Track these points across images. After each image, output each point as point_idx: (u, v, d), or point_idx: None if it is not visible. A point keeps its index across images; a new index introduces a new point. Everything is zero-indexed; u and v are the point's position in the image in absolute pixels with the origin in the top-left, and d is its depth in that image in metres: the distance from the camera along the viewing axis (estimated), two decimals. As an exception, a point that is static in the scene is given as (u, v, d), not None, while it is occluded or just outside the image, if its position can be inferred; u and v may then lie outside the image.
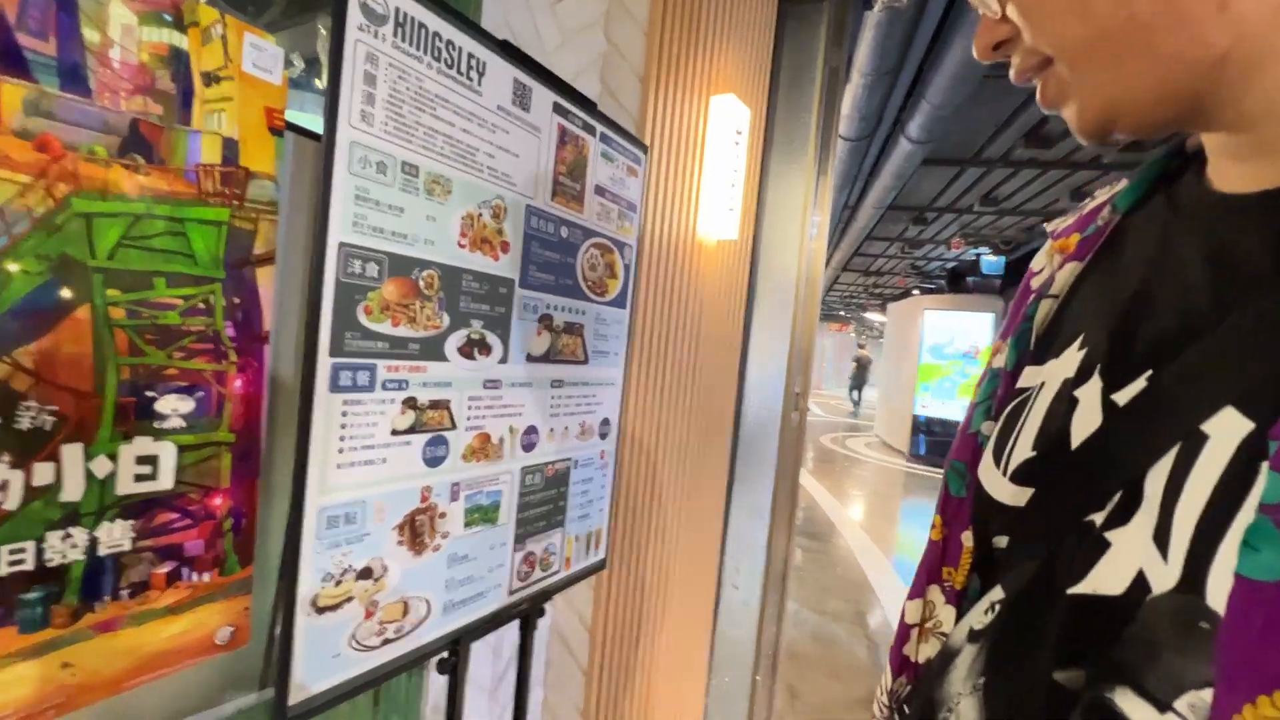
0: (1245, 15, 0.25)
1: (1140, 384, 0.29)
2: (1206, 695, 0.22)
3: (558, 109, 0.88)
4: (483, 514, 0.82)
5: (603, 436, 1.07)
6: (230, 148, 0.66)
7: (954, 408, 8.38)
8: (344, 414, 0.63)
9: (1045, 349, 0.37)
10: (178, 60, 0.61)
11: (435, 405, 0.73)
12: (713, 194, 1.39)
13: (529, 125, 0.83)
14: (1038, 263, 0.44)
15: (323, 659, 0.64)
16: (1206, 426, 0.24)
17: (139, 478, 0.61)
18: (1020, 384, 0.38)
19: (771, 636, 1.75)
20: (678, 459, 1.42)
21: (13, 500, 0.53)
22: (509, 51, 0.78)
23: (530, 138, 0.83)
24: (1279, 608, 0.20)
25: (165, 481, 0.64)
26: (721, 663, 1.72)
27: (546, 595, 0.97)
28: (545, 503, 0.95)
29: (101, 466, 0.59)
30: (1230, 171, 0.30)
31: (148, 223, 0.60)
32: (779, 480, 1.68)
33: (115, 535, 0.60)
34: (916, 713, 0.36)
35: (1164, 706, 0.23)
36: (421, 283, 0.70)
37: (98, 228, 0.57)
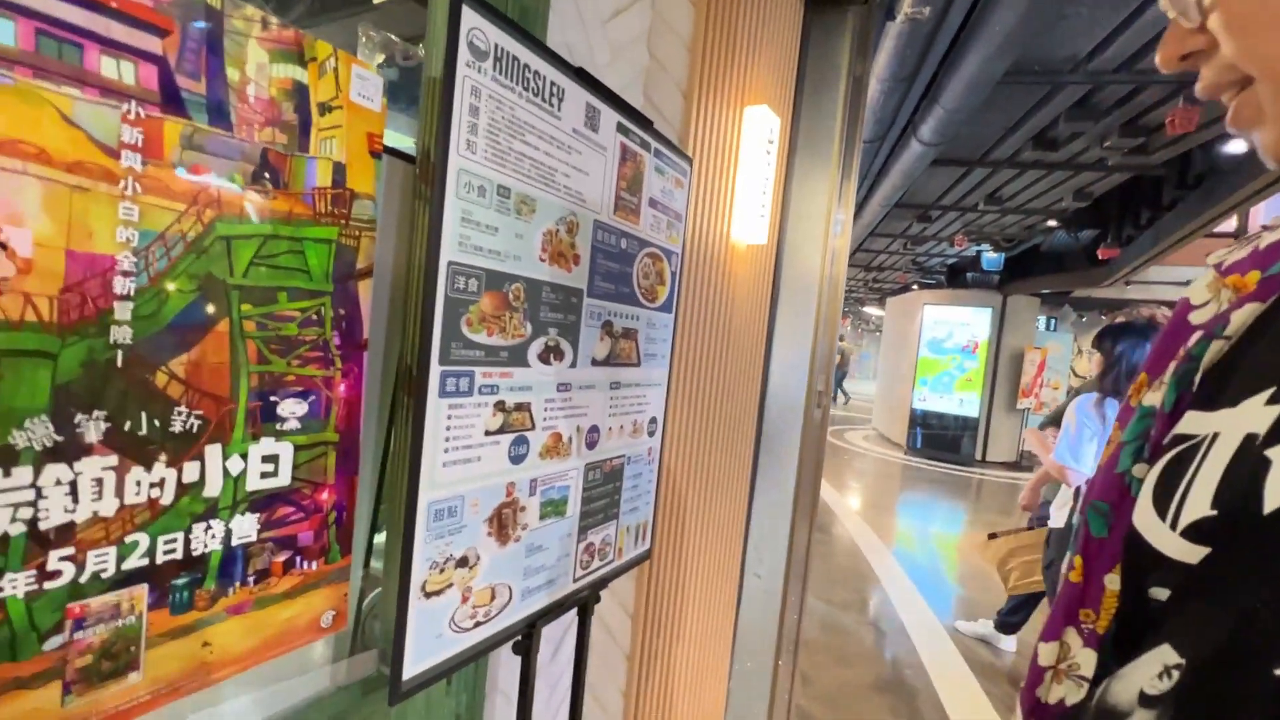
0: None
1: None
2: None
3: (620, 128, 0.93)
4: (554, 507, 0.89)
5: (650, 434, 1.14)
6: (339, 171, 0.71)
7: (951, 401, 8.50)
8: (449, 416, 0.69)
9: (1216, 394, 0.34)
10: (299, 93, 0.66)
11: (520, 408, 0.79)
12: (746, 201, 1.45)
13: (597, 145, 0.88)
14: (1198, 295, 0.41)
15: (428, 640, 0.70)
16: None
17: (264, 475, 0.67)
18: (1183, 429, 0.35)
19: (792, 624, 1.82)
20: (708, 455, 1.48)
21: (168, 496, 0.59)
22: (583, 78, 0.84)
23: (598, 157, 0.89)
24: None
25: (284, 478, 0.70)
26: (744, 648, 1.80)
27: (603, 583, 1.04)
28: (603, 496, 1.01)
29: (235, 465, 0.65)
30: None
31: (274, 242, 0.66)
32: (801, 475, 1.75)
33: (245, 527, 0.66)
34: None
35: None
36: (510, 295, 0.76)
37: (235, 248, 0.62)
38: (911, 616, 3.20)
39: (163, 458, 0.58)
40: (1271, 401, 0.30)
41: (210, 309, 0.61)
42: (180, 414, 0.59)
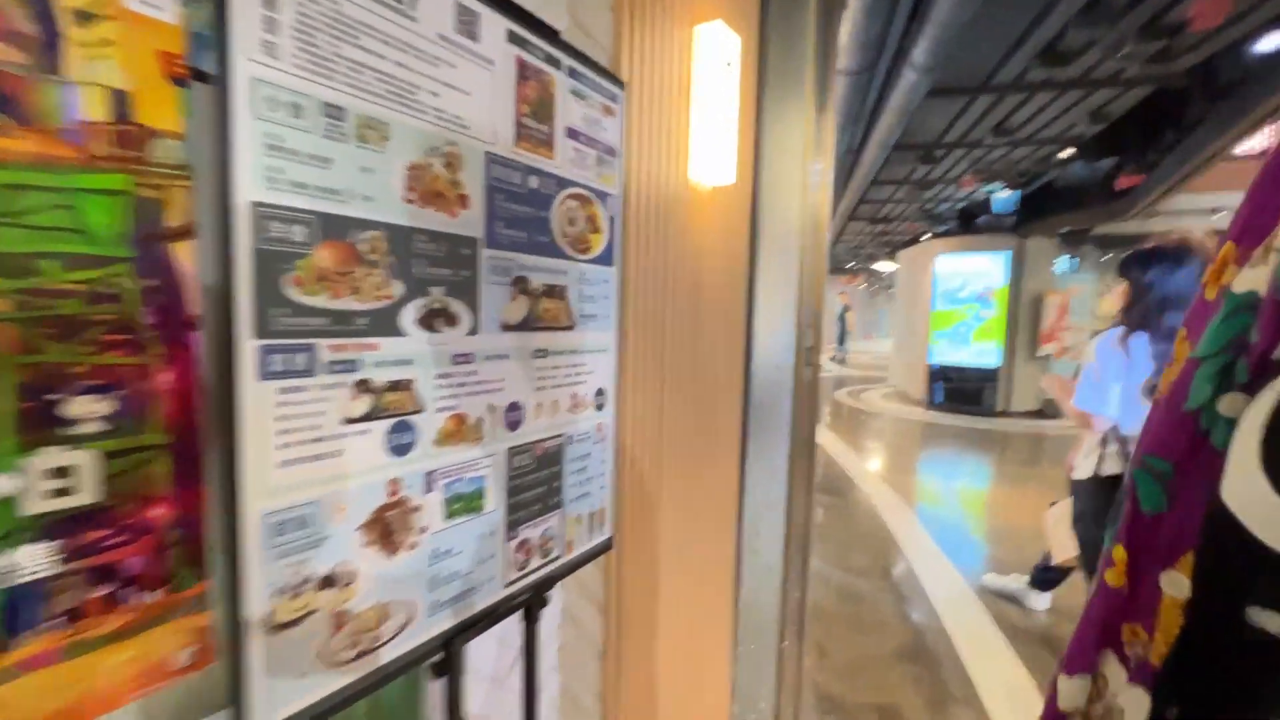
0: None
1: None
2: None
3: (514, 39, 0.76)
4: (465, 503, 0.74)
5: (598, 408, 0.98)
6: (121, 101, 0.55)
7: (970, 353, 8.23)
8: (280, 404, 0.54)
9: None
10: (36, -5, 0.51)
11: (395, 386, 0.64)
12: (704, 135, 1.27)
13: (479, 58, 0.72)
14: None
15: (288, 680, 0.57)
16: None
17: (55, 493, 0.54)
18: None
19: (796, 600, 1.69)
20: (685, 425, 1.33)
21: (-107, 532, 0.45)
22: (447, -32, 0.67)
23: (481, 72, 0.72)
24: None
25: (89, 495, 0.56)
26: (746, 630, 1.67)
27: (550, 582, 0.90)
28: (538, 484, 0.86)
29: (2, 485, 0.51)
30: None
31: (24, 196, 0.50)
32: (795, 439, 1.59)
33: (33, 560, 0.52)
34: None
35: None
36: (364, 246, 0.60)
37: (-44, 204, 0.47)
38: (935, 580, 3.05)
39: (-126, 484, 0.44)
40: None
41: (-77, 285, 0.46)
42: (-104, 425, 0.45)
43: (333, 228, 0.57)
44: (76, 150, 0.53)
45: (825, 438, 6.23)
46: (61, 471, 0.54)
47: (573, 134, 0.88)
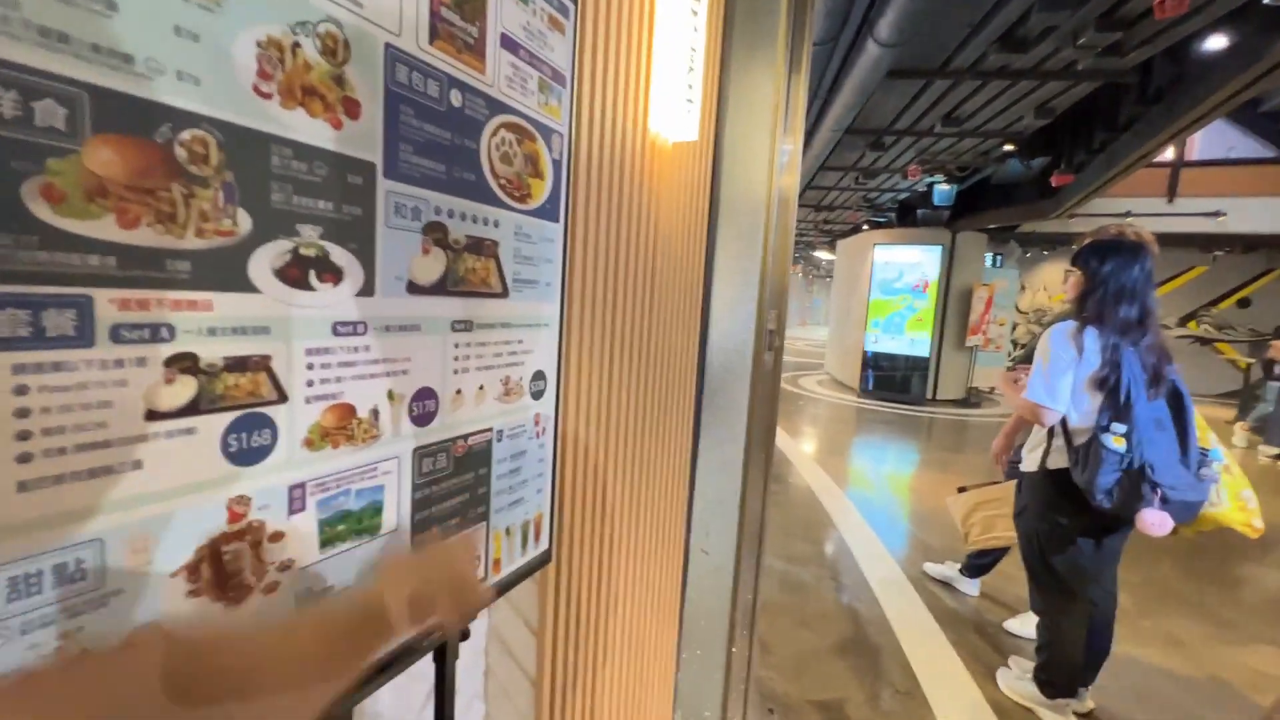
0: None
1: None
2: None
3: (431, -105, 0.56)
4: (353, 523, 0.55)
5: (536, 396, 0.80)
6: None
7: (902, 342, 8.47)
8: (22, 388, 0.34)
9: None
10: None
11: (239, 365, 0.44)
12: (666, 80, 1.09)
13: (380, -92, 0.51)
14: None
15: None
16: None
17: None
18: None
19: (747, 602, 1.57)
20: (633, 415, 1.17)
21: None
22: None
23: (384, -70, 0.52)
24: None
25: None
26: (692, 636, 1.54)
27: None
28: (457, 492, 0.68)
29: None
30: None
31: None
32: (751, 429, 1.47)
33: None
34: None
35: None
36: (181, 150, 0.39)
37: None
38: (872, 565, 3.06)
39: None
40: None
41: None
42: None
43: (121, 114, 0.36)
44: None
45: (765, 422, 6.25)
46: None
47: (510, 44, 0.68)
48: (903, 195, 8.35)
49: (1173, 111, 3.36)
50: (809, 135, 4.37)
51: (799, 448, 5.54)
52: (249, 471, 0.46)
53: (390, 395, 0.58)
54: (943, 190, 6.86)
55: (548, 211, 0.78)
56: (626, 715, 1.29)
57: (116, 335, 0.37)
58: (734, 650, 1.53)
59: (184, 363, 0.41)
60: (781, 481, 4.45)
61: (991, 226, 7.95)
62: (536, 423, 0.81)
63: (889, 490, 4.64)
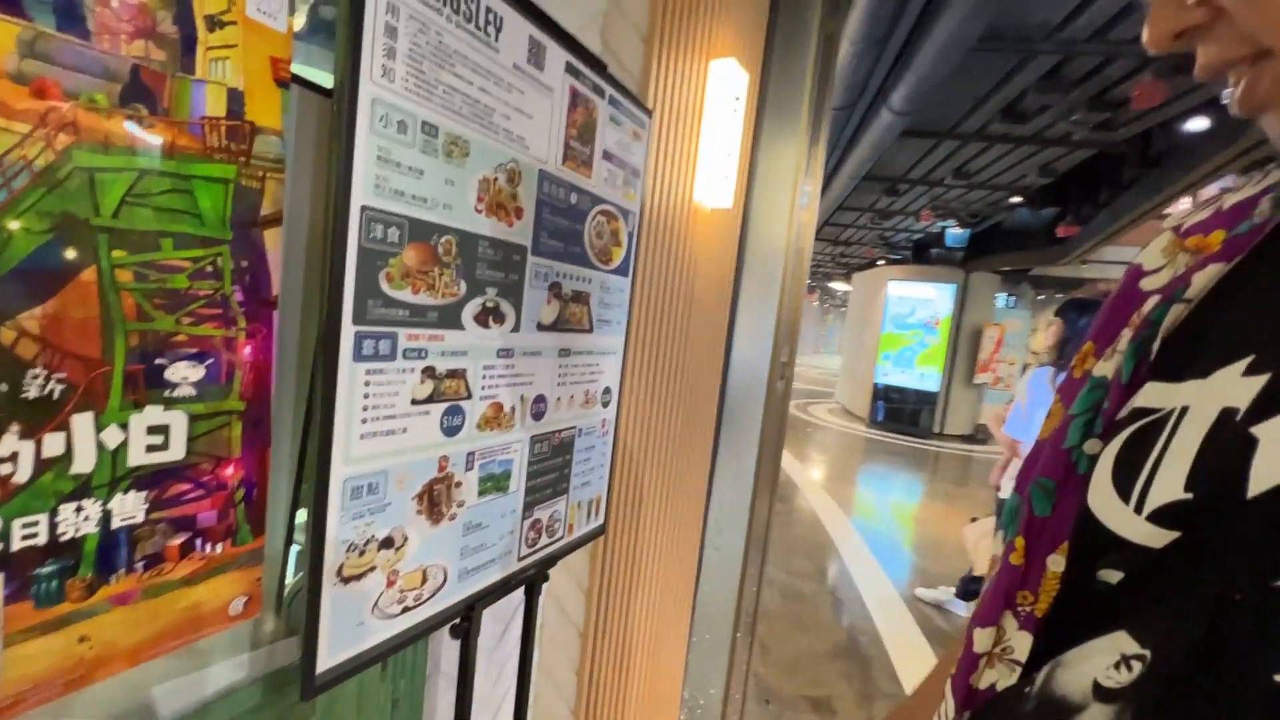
0: None
1: None
2: None
3: (570, 69, 0.85)
4: (495, 482, 0.82)
5: (604, 405, 1.08)
6: (235, 99, 0.61)
7: (912, 376, 8.67)
8: (367, 383, 0.62)
9: (1181, 363, 0.32)
10: (180, 1, 0.56)
11: (453, 374, 0.72)
12: (711, 162, 1.37)
13: (542, 86, 0.80)
14: (1151, 260, 0.39)
15: (348, 628, 0.64)
16: None
17: (151, 448, 0.59)
18: (1143, 402, 0.33)
19: (751, 596, 1.81)
20: (668, 427, 1.43)
21: (23, 473, 0.50)
22: (525, 6, 0.75)
23: (543, 99, 0.80)
24: None
25: (177, 452, 0.61)
26: (703, 621, 1.78)
27: (552, 561, 0.98)
28: (551, 470, 0.95)
29: (113, 437, 0.56)
30: None
31: (153, 179, 0.56)
32: (763, 447, 1.72)
33: (128, 507, 0.58)
34: None
35: None
36: (440, 249, 0.68)
37: (101, 184, 0.53)
38: (869, 585, 3.26)
39: (15, 428, 0.49)
40: (1250, 372, 0.28)
41: (70, 254, 0.52)
42: (35, 377, 0.50)
43: (419, 231, 0.65)
44: (198, 141, 0.59)
45: (774, 447, 6.45)
46: (157, 429, 0.59)
47: (608, 156, 0.97)
48: (917, 235, 8.62)
49: (1169, 177, 3.61)
50: (828, 180, 4.67)
51: (806, 473, 5.74)
52: (450, 440, 0.73)
53: (521, 399, 0.85)
54: (955, 233, 7.12)
55: (622, 269, 1.06)
56: (647, 671, 1.53)
57: (405, 354, 0.65)
58: (738, 636, 1.77)
59: (429, 372, 0.69)
60: (787, 503, 4.66)
61: (1004, 269, 8.17)
62: (603, 426, 1.08)
63: (892, 518, 4.82)
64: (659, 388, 1.35)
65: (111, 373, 0.56)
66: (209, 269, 0.62)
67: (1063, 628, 0.32)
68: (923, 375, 8.63)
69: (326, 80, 0.79)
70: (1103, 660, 0.29)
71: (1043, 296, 11.56)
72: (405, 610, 0.70)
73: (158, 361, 0.59)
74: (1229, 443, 0.27)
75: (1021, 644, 0.35)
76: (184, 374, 0.61)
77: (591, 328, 0.99)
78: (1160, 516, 0.29)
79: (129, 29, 0.53)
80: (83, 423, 0.54)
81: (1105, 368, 0.36)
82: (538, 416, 0.89)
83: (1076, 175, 4.77)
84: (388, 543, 0.66)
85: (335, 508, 0.60)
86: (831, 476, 5.90)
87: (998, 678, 0.36)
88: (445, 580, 0.76)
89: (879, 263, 9.78)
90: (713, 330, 1.63)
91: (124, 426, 0.57)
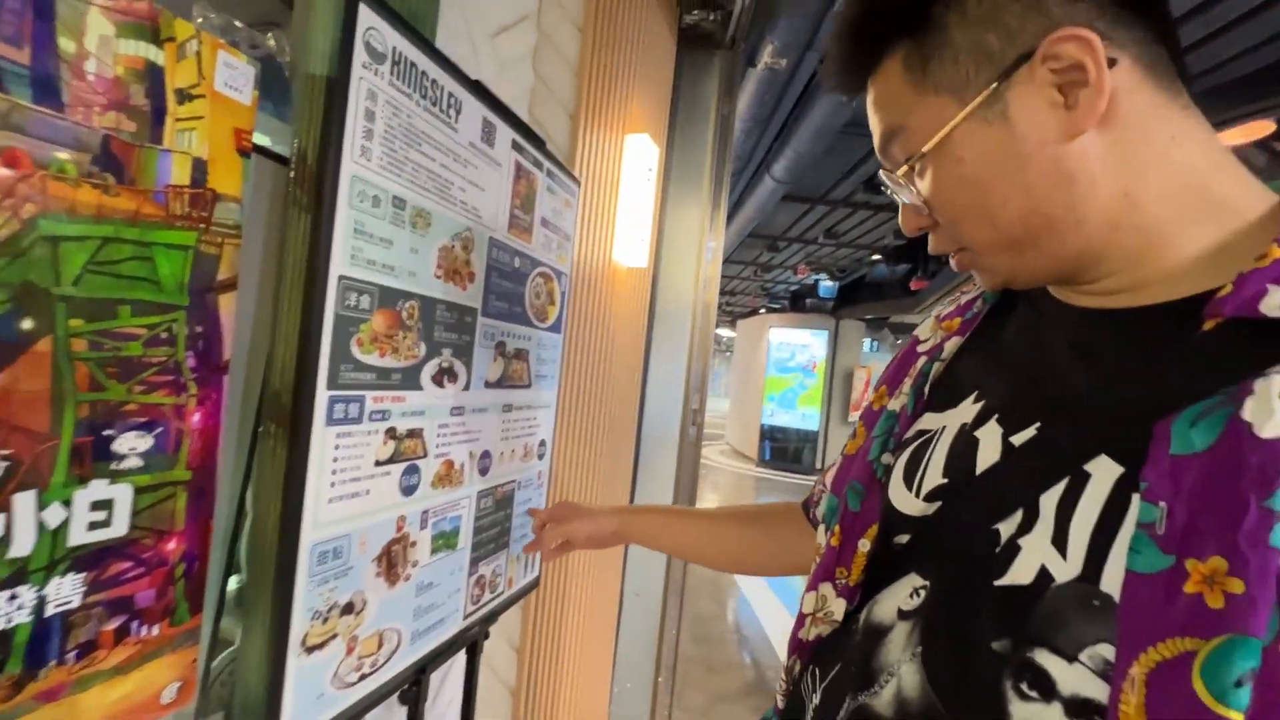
0: (1092, 231, 0.37)
1: (1031, 432, 0.38)
2: (1100, 649, 0.30)
3: (515, 145, 0.92)
4: (446, 540, 0.83)
5: (540, 457, 1.11)
6: (199, 169, 0.62)
7: (795, 416, 9.28)
8: (337, 446, 0.62)
9: (942, 400, 0.47)
10: (153, 75, 0.57)
11: (412, 434, 0.74)
12: (628, 226, 1.48)
13: (493, 161, 0.86)
14: (924, 334, 0.55)
15: (309, 701, 0.62)
16: (1088, 467, 0.34)
17: (93, 525, 0.56)
18: (921, 426, 0.47)
19: (671, 639, 1.86)
20: (593, 475, 1.48)
21: (-44, 560, 0.46)
22: (479, 91, 0.82)
23: (494, 173, 0.87)
24: (1157, 590, 0.29)
25: (120, 528, 0.58)
26: (624, 668, 1.80)
27: (493, 617, 0.98)
28: (495, 525, 0.97)
29: (55, 515, 0.53)
30: (1074, 297, 0.42)
31: (116, 246, 0.55)
32: (678, 491, 1.80)
33: (65, 591, 0.54)
34: (855, 679, 0.42)
35: (1071, 658, 0.31)
36: (404, 314, 0.71)
37: (64, 252, 0.52)
38: (772, 621, 3.41)
39: (-49, 512, 0.46)
40: (978, 400, 0.44)
41: (26, 324, 0.50)
42: (-21, 455, 0.47)
43: (387, 298, 0.67)
44: (161, 209, 0.59)
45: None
46: (101, 504, 0.56)
47: (545, 223, 1.04)
48: (794, 287, 9.40)
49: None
50: (716, 235, 5.05)
51: (704, 514, 5.90)
52: (407, 500, 0.74)
53: (470, 454, 0.87)
54: (827, 285, 7.86)
55: (556, 327, 1.12)
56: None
57: (370, 417, 0.67)
58: (660, 680, 1.80)
59: (390, 433, 0.70)
60: (689, 545, 4.76)
61: (868, 317, 9.09)
62: (539, 477, 1.11)
63: (784, 553, 5.06)
64: (586, 437, 1.40)
65: (58, 446, 0.53)
66: (164, 335, 0.61)
67: (875, 584, 0.45)
68: (804, 415, 9.27)
69: (271, 143, 0.80)
70: (902, 592, 0.42)
71: (900, 340, 12.91)
72: (363, 678, 0.69)
73: (106, 433, 0.56)
74: (964, 443, 0.42)
75: (838, 608, 0.47)
76: (132, 444, 0.59)
77: (530, 383, 1.04)
78: (930, 495, 0.42)
79: (103, 101, 0.53)
80: (24, 502, 0.51)
81: (895, 404, 0.51)
82: (484, 471, 0.91)
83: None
84: (349, 608, 0.66)
85: (303, 574, 0.60)
86: (728, 516, 6.11)
87: (821, 631, 0.48)
88: (399, 644, 0.75)
89: (760, 310, 10.51)
90: (629, 380, 1.72)
91: (67, 504, 0.54)
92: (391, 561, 0.72)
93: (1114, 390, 0.37)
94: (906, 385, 0.51)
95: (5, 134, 0.47)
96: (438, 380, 0.78)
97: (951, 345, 0.50)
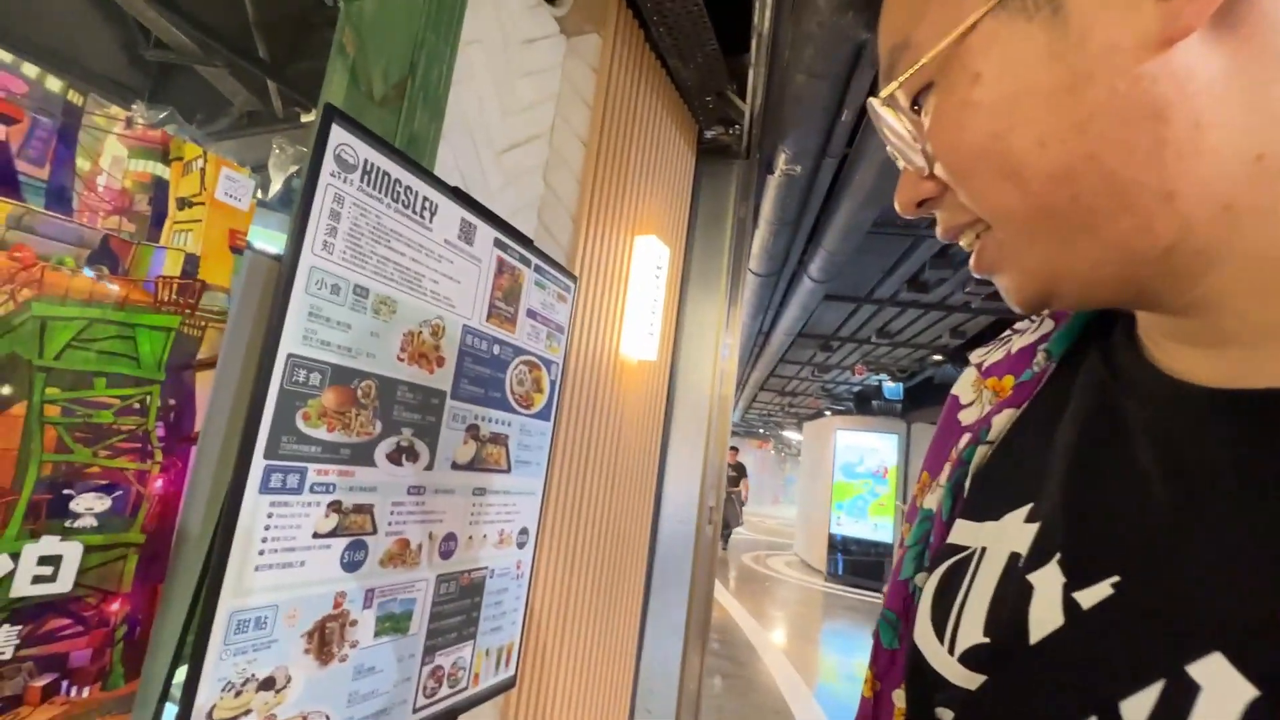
0: (1191, 212, 0.23)
1: (1105, 589, 0.25)
2: None
3: (498, 243, 1.00)
4: (394, 622, 0.83)
5: (520, 546, 1.10)
6: (191, 262, 0.72)
7: (866, 526, 8.65)
8: (269, 515, 0.65)
9: (982, 504, 0.33)
10: (157, 187, 0.68)
11: (359, 509, 0.76)
12: (635, 320, 1.53)
13: (471, 256, 0.94)
14: (965, 394, 0.40)
15: (209, 780, 0.61)
16: (1193, 671, 0.21)
17: (38, 579, 0.60)
18: (955, 539, 0.33)
19: (686, 766, 1.68)
20: (594, 575, 1.43)
21: (-102, 601, 0.51)
22: (458, 195, 0.91)
23: (471, 267, 0.94)
24: None
25: (65, 584, 0.62)
26: (634, 799, 1.63)
27: (453, 714, 0.94)
28: (458, 613, 0.95)
29: (0, 566, 0.57)
30: (1176, 354, 0.28)
31: (100, 327, 0.64)
32: (694, 596, 1.71)
33: (-2, 642, 0.58)
34: None
35: None
36: (360, 392, 0.75)
37: (51, 329, 0.60)
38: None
39: (-98, 555, 0.51)
40: (1030, 519, 0.29)
41: (5, 390, 0.57)
42: (-62, 504, 0.53)
43: (340, 376, 0.73)
44: (149, 296, 0.68)
45: (729, 603, 6.18)
46: (49, 560, 0.61)
47: (532, 314, 1.09)
48: (857, 388, 9.14)
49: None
50: (766, 335, 5.05)
51: (766, 635, 5.45)
52: (349, 576, 0.75)
53: (430, 535, 0.88)
54: (890, 386, 7.59)
55: (543, 414, 1.14)
56: None
57: (312, 488, 0.70)
58: (672, 816, 1.61)
59: (335, 506, 0.73)
60: (744, 666, 4.38)
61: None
62: (518, 567, 1.10)
63: (856, 682, 4.55)
64: (582, 533, 1.37)
65: (16, 502, 0.58)
66: (136, 405, 0.68)
67: None
68: (876, 525, 8.63)
69: (280, 244, 0.91)
70: None
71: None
72: (278, 763, 0.67)
73: (65, 492, 0.62)
74: (1014, 589, 0.28)
75: None
76: (89, 504, 0.64)
77: (510, 468, 1.05)
78: (968, 659, 0.29)
79: (108, 207, 0.64)
80: (-27, 551, 0.56)
81: (931, 500, 0.37)
82: (446, 555, 0.91)
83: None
84: (269, 683, 0.66)
85: (217, 641, 0.61)
86: (791, 638, 5.62)
87: None
88: (328, 730, 0.73)
89: (826, 412, 10.20)
90: (642, 475, 1.69)
91: (15, 556, 0.58)
92: (325, 639, 0.72)
93: (1221, 540, 0.23)
94: (944, 474, 0.37)
95: (15, 234, 0.57)
96: (394, 459, 0.81)
97: (1003, 420, 0.35)
